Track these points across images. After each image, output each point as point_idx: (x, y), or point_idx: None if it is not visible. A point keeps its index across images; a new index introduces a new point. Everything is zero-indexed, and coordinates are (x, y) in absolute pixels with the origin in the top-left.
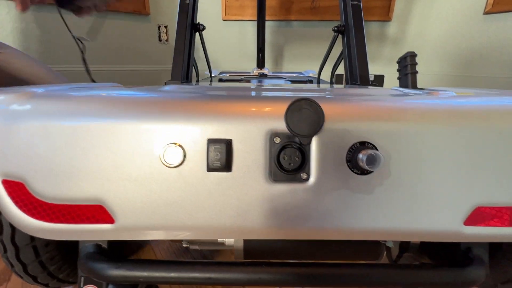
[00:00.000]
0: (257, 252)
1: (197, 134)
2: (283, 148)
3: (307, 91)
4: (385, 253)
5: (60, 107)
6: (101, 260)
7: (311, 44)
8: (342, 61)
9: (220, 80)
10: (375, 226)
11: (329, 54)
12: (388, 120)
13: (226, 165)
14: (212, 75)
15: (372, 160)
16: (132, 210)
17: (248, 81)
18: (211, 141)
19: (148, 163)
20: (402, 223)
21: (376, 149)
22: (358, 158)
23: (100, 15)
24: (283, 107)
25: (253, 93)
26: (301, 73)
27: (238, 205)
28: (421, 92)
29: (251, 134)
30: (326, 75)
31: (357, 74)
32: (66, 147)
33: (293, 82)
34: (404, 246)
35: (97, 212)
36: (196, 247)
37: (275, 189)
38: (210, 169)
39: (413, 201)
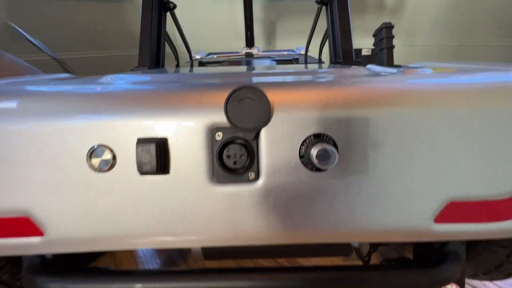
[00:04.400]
0: (217, 253)
1: (127, 133)
2: (226, 144)
3: (264, 75)
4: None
5: None
6: (41, 272)
7: (304, 19)
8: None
9: (201, 64)
10: (334, 228)
11: (314, 29)
12: (346, 107)
13: (160, 167)
14: (199, 58)
15: (324, 156)
16: (62, 221)
17: (232, 62)
18: (140, 142)
19: (75, 168)
20: (364, 223)
21: (334, 142)
22: (310, 154)
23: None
24: (223, 97)
25: (193, 82)
26: (292, 50)
27: (178, 211)
28: (395, 71)
29: (189, 130)
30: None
31: (340, 51)
32: None
33: (279, 62)
34: (374, 243)
35: (23, 225)
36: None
37: (219, 192)
38: (142, 172)
39: (375, 198)
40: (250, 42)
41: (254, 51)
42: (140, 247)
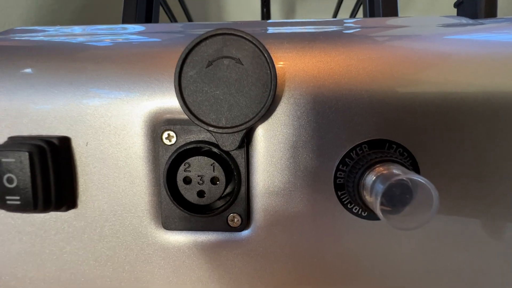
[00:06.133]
0: None
1: None
2: (183, 156)
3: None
4: None
5: None
6: None
7: None
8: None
9: None
10: None
11: (340, 5)
12: (449, 83)
13: (47, 200)
14: None
15: (403, 201)
16: None
17: None
18: (5, 147)
19: None
20: None
21: (413, 159)
22: (364, 185)
23: None
24: (177, 57)
25: (128, 37)
26: None
27: (91, 278)
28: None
29: (112, 125)
30: None
31: (379, 7)
32: None
33: None
34: None
35: None
36: None
37: (169, 248)
38: (7, 209)
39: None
40: (266, 19)
41: None
42: None
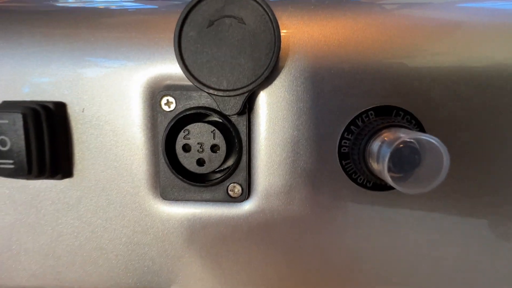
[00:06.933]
0: None
1: None
2: (182, 123)
3: None
4: None
5: None
6: None
7: None
8: None
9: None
10: None
11: None
12: (459, 51)
13: (41, 166)
14: None
15: (412, 163)
16: None
17: None
18: None
19: None
20: None
21: (421, 126)
22: (371, 152)
23: None
24: (175, 19)
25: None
26: None
27: (85, 250)
28: None
29: (109, 90)
30: None
31: None
32: None
33: None
34: None
35: None
36: None
37: (167, 219)
38: (1, 172)
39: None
40: None
41: None
42: None
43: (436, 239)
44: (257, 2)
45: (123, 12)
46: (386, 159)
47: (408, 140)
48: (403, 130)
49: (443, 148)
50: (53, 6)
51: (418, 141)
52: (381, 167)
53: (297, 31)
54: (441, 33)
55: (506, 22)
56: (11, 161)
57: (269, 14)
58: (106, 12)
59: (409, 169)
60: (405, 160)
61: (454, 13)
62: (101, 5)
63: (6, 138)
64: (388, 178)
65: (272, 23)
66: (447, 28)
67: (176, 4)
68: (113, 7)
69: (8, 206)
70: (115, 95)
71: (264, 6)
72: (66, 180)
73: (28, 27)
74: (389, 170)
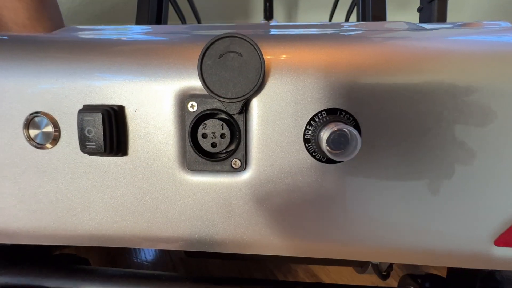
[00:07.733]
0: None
1: (72, 99)
2: (201, 119)
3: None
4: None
5: None
6: None
7: None
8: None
9: None
10: (350, 243)
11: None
12: (378, 72)
13: (110, 146)
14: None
15: (340, 142)
16: None
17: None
18: (83, 110)
19: (9, 142)
20: (392, 240)
21: (356, 121)
22: (320, 138)
23: None
24: (198, 51)
25: (163, 34)
26: None
27: (138, 205)
28: (450, 25)
29: (153, 97)
30: None
31: (370, 10)
32: None
33: None
34: None
35: None
36: None
37: (191, 183)
38: (85, 152)
39: (410, 205)
40: (269, 15)
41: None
42: (91, 245)
43: (372, 197)
44: (250, 43)
45: (164, 42)
46: (326, 139)
47: (340, 129)
48: (341, 124)
49: (358, 135)
50: (104, 37)
51: (347, 129)
52: (324, 146)
53: (276, 58)
54: (373, 58)
55: (416, 49)
56: (93, 144)
57: (257, 50)
58: (149, 42)
59: (340, 147)
60: (337, 141)
61: (383, 44)
62: (142, 37)
63: (91, 129)
64: (327, 153)
65: (259, 56)
66: (378, 56)
67: (200, 36)
68: (153, 38)
69: (82, 175)
70: (157, 101)
71: (254, 45)
72: (124, 157)
73: (91, 52)
74: (329, 147)
